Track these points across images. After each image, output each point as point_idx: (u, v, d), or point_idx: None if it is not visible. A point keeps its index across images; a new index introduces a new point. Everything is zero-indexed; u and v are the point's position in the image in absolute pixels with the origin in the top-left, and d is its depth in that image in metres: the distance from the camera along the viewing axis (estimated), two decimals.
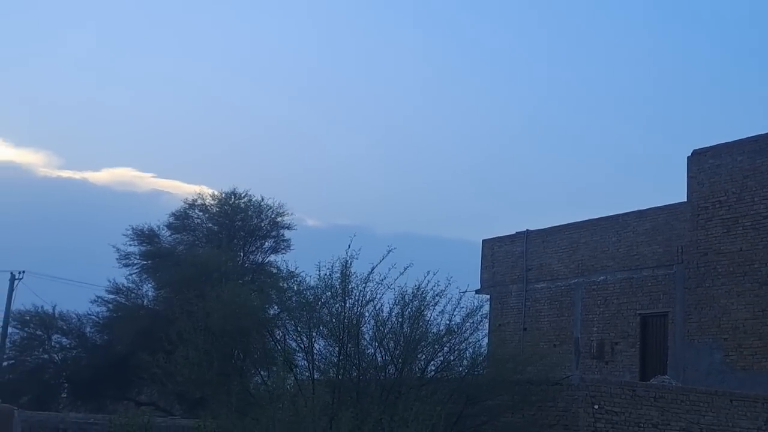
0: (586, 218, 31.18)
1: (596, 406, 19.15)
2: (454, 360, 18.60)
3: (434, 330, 18.27)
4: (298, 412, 16.15)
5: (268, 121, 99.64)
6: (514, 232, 33.74)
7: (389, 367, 17.95)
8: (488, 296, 33.00)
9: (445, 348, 18.43)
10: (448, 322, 18.35)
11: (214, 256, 28.06)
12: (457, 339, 18.53)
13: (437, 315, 18.24)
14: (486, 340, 20.61)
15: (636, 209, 29.50)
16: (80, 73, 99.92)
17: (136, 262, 31.41)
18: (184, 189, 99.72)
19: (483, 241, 34.66)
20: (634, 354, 28.40)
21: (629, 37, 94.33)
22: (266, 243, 32.79)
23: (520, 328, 31.93)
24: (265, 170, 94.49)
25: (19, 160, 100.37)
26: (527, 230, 33.17)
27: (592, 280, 30.15)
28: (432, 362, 18.41)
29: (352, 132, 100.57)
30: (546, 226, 32.68)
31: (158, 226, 31.89)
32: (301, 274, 19.77)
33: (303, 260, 19.30)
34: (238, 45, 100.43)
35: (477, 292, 32.94)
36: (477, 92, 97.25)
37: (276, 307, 20.51)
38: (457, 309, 18.43)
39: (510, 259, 33.47)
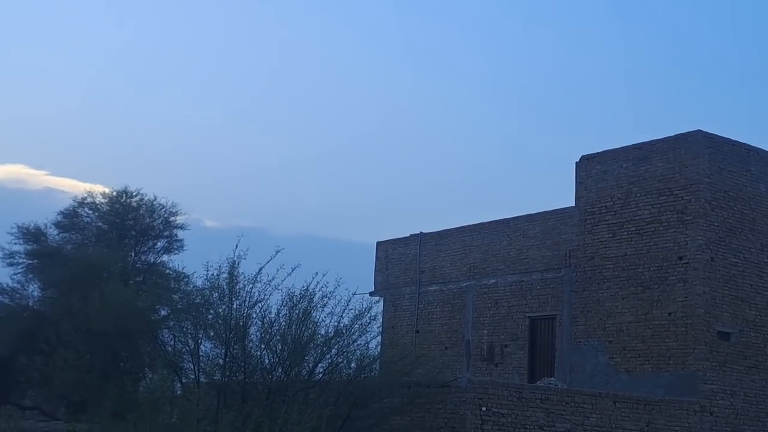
0: (479, 221, 31.55)
1: (484, 408, 19.39)
2: (342, 362, 18.60)
3: (322, 332, 18.25)
4: (180, 415, 15.89)
5: (168, 121, 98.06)
6: (408, 235, 33.94)
7: (276, 369, 17.83)
8: (382, 298, 33.10)
9: (333, 350, 18.43)
10: (336, 323, 18.36)
11: (104, 256, 27.38)
12: (345, 341, 18.55)
13: (326, 316, 18.24)
14: (376, 342, 20.67)
15: (526, 213, 29.98)
16: None
17: (21, 261, 30.35)
18: (79, 188, 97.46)
19: (377, 243, 34.77)
20: (523, 356, 28.85)
21: (521, 37, 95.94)
22: (159, 243, 32.08)
23: (412, 330, 32.12)
24: (163, 171, 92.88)
25: None
26: (421, 233, 33.41)
27: (484, 283, 30.53)
28: (320, 364, 18.37)
29: (254, 133, 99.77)
30: (440, 229, 32.96)
31: (45, 225, 30.92)
32: (192, 275, 19.50)
33: (199, 261, 19.02)
34: (135, 39, 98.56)
35: (371, 294, 33.02)
36: (367, 90, 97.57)
37: (166, 308, 20.17)
38: (346, 311, 18.46)
39: (404, 262, 33.65)
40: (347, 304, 18.44)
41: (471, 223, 31.82)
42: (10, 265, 30.19)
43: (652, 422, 22.03)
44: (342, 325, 18.40)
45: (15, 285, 30.37)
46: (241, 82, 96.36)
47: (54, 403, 28.98)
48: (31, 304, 30.22)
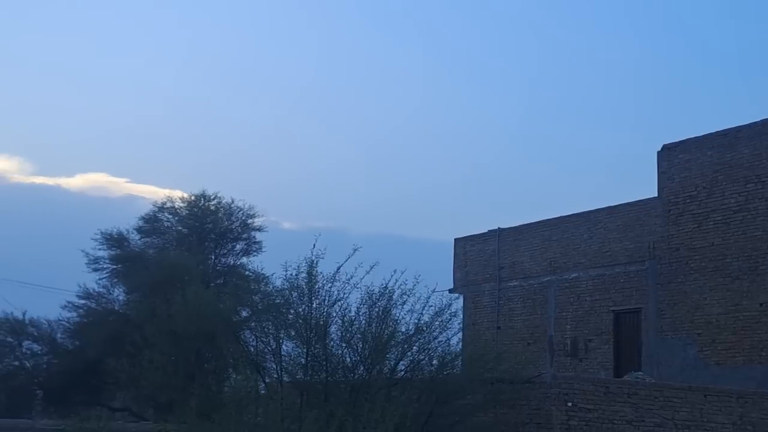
0: (558, 215, 31.10)
1: (569, 404, 19.02)
2: (423, 359, 18.43)
3: (403, 329, 18.11)
4: (265, 415, 15.95)
5: (245, 125, 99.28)
6: (486, 231, 33.63)
7: (358, 367, 17.76)
8: (461, 295, 32.87)
9: (414, 347, 18.26)
10: (416, 321, 18.18)
11: (184, 259, 27.79)
12: (426, 338, 18.36)
13: (406, 314, 18.08)
14: (457, 339, 20.45)
15: (607, 205, 29.44)
16: (53, 78, 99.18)
17: (105, 266, 31.08)
18: (159, 194, 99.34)
19: (455, 240, 34.54)
20: (608, 351, 28.34)
21: (597, 34, 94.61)
22: (237, 245, 32.50)
23: (493, 327, 31.82)
24: (241, 174, 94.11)
25: None
26: (499, 228, 33.08)
27: (565, 278, 30.08)
28: (401, 362, 18.23)
29: (329, 134, 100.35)
30: (518, 224, 32.58)
31: (127, 230, 31.57)
32: (272, 277, 19.57)
33: (278, 263, 19.08)
34: (211, 48, 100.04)
35: (450, 291, 32.81)
36: (447, 91, 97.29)
37: (247, 309, 20.30)
38: (426, 308, 18.27)
39: (482, 258, 33.36)
40: (427, 302, 18.25)
41: (550, 217, 31.38)
42: (96, 270, 30.93)
43: (745, 416, 21.35)
44: (422, 322, 18.22)
45: (101, 290, 31.12)
46: (317, 82, 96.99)
47: (142, 404, 29.50)
48: (116, 308, 30.87)
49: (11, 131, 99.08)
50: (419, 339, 18.27)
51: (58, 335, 31.53)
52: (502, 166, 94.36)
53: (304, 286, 17.56)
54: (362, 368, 17.65)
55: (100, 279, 31.02)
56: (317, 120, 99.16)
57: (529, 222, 32.20)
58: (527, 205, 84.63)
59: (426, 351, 18.40)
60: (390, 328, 17.77)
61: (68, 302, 31.14)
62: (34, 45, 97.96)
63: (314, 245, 17.52)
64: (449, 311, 18.65)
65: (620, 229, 28.73)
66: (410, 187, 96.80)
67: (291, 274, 17.67)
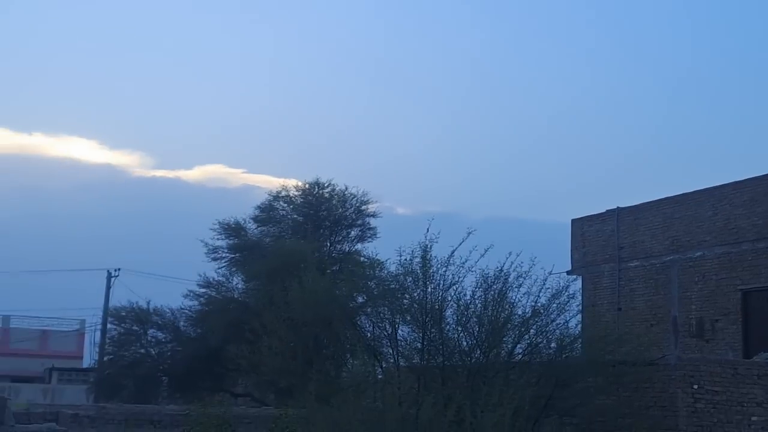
0: (680, 192, 30.08)
1: (695, 386, 18.42)
2: (541, 342, 18.11)
3: (519, 312, 17.82)
4: (383, 399, 15.93)
5: (359, 112, 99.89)
6: (604, 211, 32.83)
7: (475, 351, 17.56)
8: (580, 277, 32.18)
9: (532, 330, 17.95)
10: (533, 303, 17.87)
11: (300, 247, 28.05)
12: (544, 320, 18.03)
13: (522, 297, 17.78)
14: (575, 321, 20.00)
15: (733, 180, 28.28)
16: (171, 74, 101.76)
17: (224, 255, 31.73)
18: (274, 183, 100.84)
19: (572, 220, 33.82)
20: (737, 331, 27.28)
21: (720, 4, 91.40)
22: (352, 232, 32.69)
23: (614, 308, 31.04)
24: (355, 161, 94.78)
25: (115, 162, 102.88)
26: (618, 208, 32.21)
27: (689, 256, 29.08)
28: (519, 345, 17.95)
29: (443, 119, 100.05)
30: (637, 203, 31.67)
31: (244, 220, 32.11)
32: (386, 262, 19.54)
33: (392, 249, 19.03)
34: (325, 37, 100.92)
35: (568, 273, 32.15)
36: (556, 69, 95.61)
37: (363, 295, 20.31)
38: (542, 290, 17.92)
39: (601, 238, 32.56)
40: (543, 284, 17.91)
41: (671, 195, 30.37)
42: (214, 259, 31.63)
43: None
44: (539, 304, 17.89)
45: (220, 278, 31.79)
46: (433, 68, 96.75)
47: (263, 389, 30.01)
48: (236, 296, 31.47)
49: (132, 127, 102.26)
50: (536, 322, 17.95)
51: (181, 323, 32.36)
52: (619, 145, 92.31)
53: (419, 271, 17.45)
54: (479, 352, 17.44)
55: (219, 268, 31.69)
56: (431, 105, 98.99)
57: (649, 200, 31.25)
58: (645, 183, 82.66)
59: (544, 334, 18.07)
60: (506, 312, 17.51)
61: (190, 291, 31.94)
62: (151, 42, 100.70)
63: (428, 230, 17.40)
64: (567, 293, 18.27)
65: (747, 204, 27.58)
66: (526, 169, 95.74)
67: (405, 259, 17.59)
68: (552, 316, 18.00)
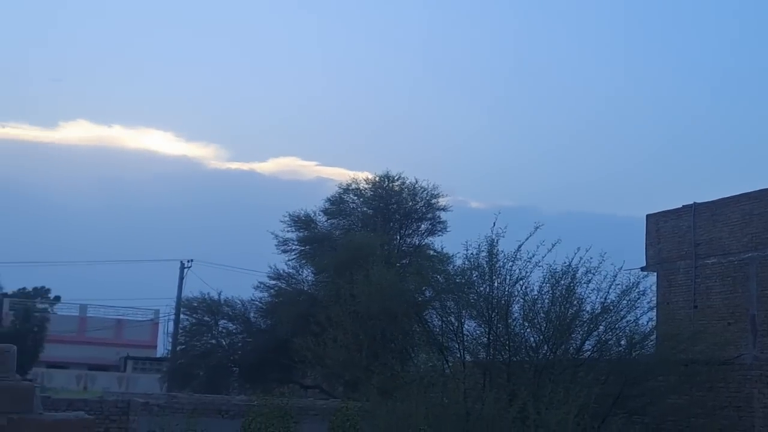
0: (760, 188, 29.21)
1: None
2: (611, 339, 17.74)
3: (588, 308, 17.48)
4: (447, 393, 15.79)
5: (435, 107, 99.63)
6: (680, 206, 32.07)
7: (542, 347, 17.29)
8: (654, 273, 31.51)
9: (601, 327, 17.60)
10: (603, 299, 17.51)
11: (369, 240, 27.93)
12: (613, 317, 17.66)
13: (590, 293, 17.44)
14: (647, 318, 19.55)
15: None
16: (247, 67, 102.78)
17: (294, 247, 31.76)
18: (347, 176, 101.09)
19: (647, 216, 33.12)
20: None
21: None
22: (422, 225, 32.43)
23: (689, 306, 30.31)
24: (430, 155, 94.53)
25: (191, 154, 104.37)
26: (694, 203, 31.45)
27: None
28: (587, 341, 17.62)
29: (519, 115, 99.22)
30: (714, 198, 30.85)
31: (314, 212, 32.11)
32: (455, 256, 19.36)
33: (464, 243, 18.81)
34: (394, 29, 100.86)
35: (642, 269, 31.50)
36: (634, 62, 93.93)
37: (430, 289, 20.16)
38: (612, 286, 17.55)
39: (677, 234, 31.81)
40: (613, 280, 17.53)
41: (751, 190, 29.52)
42: (285, 251, 31.69)
43: None
44: (608, 301, 17.51)
45: (290, 270, 31.84)
46: (509, 64, 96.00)
47: (332, 381, 30.03)
48: (306, 288, 31.50)
49: (208, 120, 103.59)
50: (606, 318, 17.59)
51: (252, 315, 32.52)
52: (696, 140, 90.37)
53: (485, 265, 17.24)
54: (546, 348, 17.17)
55: (289, 260, 31.75)
56: (509, 100, 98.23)
57: (726, 196, 30.43)
58: (723, 179, 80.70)
59: (613, 331, 17.71)
60: (574, 308, 17.20)
61: (260, 283, 32.07)
62: (228, 36, 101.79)
63: (494, 224, 17.17)
64: (637, 290, 17.87)
65: None
66: (602, 164, 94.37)
67: (471, 254, 17.39)
68: (622, 312, 17.63)
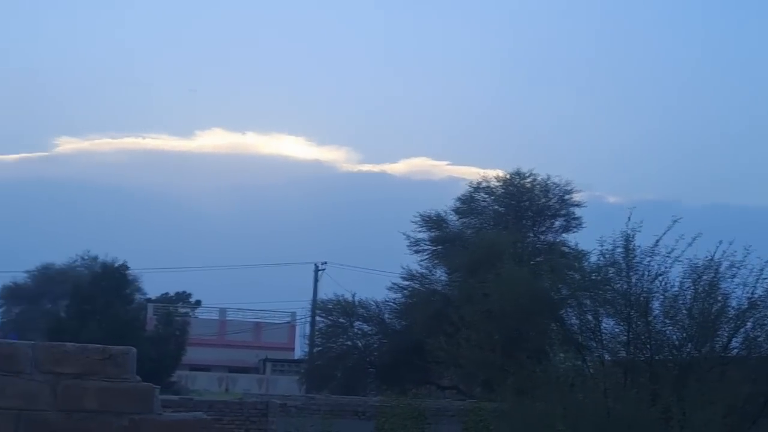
0: None
1: None
2: (760, 336, 16.87)
3: (734, 304, 16.67)
4: (586, 393, 15.34)
5: (566, 101, 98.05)
6: None
7: (686, 345, 16.59)
8: None
9: (749, 323, 16.77)
10: (749, 295, 16.66)
11: (501, 238, 27.56)
12: (761, 313, 16.78)
13: (736, 287, 16.62)
14: None
15: None
16: (376, 70, 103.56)
17: (426, 247, 31.67)
18: (478, 174, 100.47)
19: None
20: None
21: None
22: (556, 222, 31.82)
23: None
24: (564, 150, 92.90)
25: (323, 158, 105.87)
26: None
27: None
28: (734, 339, 16.81)
29: (659, 106, 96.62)
30: None
31: (445, 212, 31.94)
32: (591, 253, 18.85)
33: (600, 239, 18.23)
34: (526, 31, 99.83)
35: None
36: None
37: (566, 287, 19.67)
38: (759, 280, 16.67)
39: None
40: (760, 274, 16.64)
41: None
42: (417, 252, 31.62)
43: None
44: (756, 296, 16.65)
45: (423, 271, 31.74)
46: (638, 55, 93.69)
47: (469, 382, 29.75)
48: (439, 288, 31.34)
49: (340, 124, 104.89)
50: (754, 314, 16.74)
51: (386, 315, 32.53)
52: None
53: (621, 261, 16.68)
54: (690, 346, 16.47)
55: (421, 260, 31.66)
56: (647, 92, 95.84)
57: None
58: None
59: (762, 327, 16.83)
60: (719, 303, 16.43)
61: (394, 284, 32.07)
62: (356, 39, 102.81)
63: (629, 218, 16.61)
64: None
65: None
66: (749, 153, 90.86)
67: (606, 250, 16.86)
68: None
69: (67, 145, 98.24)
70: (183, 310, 54.04)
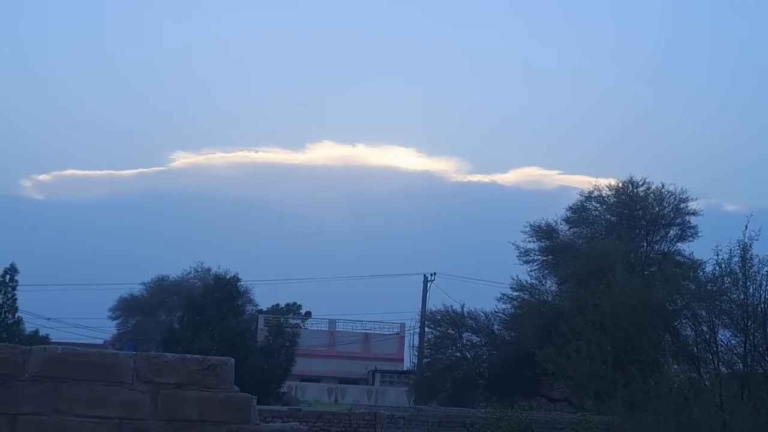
0: None
1: None
2: None
3: None
4: (701, 406, 14.83)
5: (678, 108, 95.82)
6: None
7: None
8: None
9: None
10: None
11: (613, 248, 26.98)
12: None
13: None
14: None
15: None
16: (485, 81, 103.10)
17: (536, 258, 31.30)
18: (590, 183, 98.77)
19: None
20: None
21: None
22: (670, 231, 30.99)
23: None
24: (676, 158, 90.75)
25: (433, 169, 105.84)
26: None
27: None
28: None
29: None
30: None
31: (555, 221, 31.50)
32: (706, 262, 18.29)
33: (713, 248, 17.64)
34: (627, 32, 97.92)
35: None
36: None
37: (679, 297, 19.13)
38: None
39: None
40: None
41: None
42: (526, 262, 31.27)
43: None
44: None
45: (533, 281, 31.35)
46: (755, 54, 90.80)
47: (581, 394, 29.18)
48: (549, 299, 30.88)
49: (449, 135, 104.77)
50: None
51: (495, 326, 32.21)
52: None
53: (738, 271, 16.11)
54: None
55: (531, 271, 31.29)
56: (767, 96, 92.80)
57: None
58: None
59: None
60: None
61: (503, 294, 31.77)
62: (463, 54, 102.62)
63: (746, 227, 16.02)
64: None
65: None
66: None
67: (722, 259, 16.31)
68: None
69: (182, 159, 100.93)
70: (293, 322, 54.64)
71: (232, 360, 4.95)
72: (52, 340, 39.10)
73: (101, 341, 52.63)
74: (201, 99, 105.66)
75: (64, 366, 4.95)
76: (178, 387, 4.93)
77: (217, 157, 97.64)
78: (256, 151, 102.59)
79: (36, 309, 45.17)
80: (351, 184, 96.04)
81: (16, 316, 41.66)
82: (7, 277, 41.06)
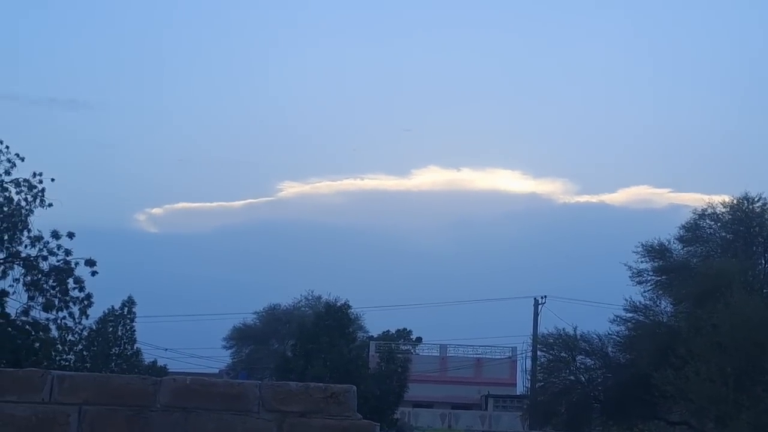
0: None
1: None
2: None
3: None
4: None
5: None
6: None
7: None
8: None
9: None
10: None
11: (730, 266, 26.28)
12: None
13: None
14: None
15: None
16: (581, 102, 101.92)
17: (649, 278, 30.68)
18: (703, 201, 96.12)
19: None
20: None
21: None
22: None
23: None
24: None
25: (539, 190, 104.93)
26: None
27: None
28: None
29: None
30: None
31: (668, 241, 30.87)
32: None
33: None
34: (732, 47, 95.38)
35: None
36: None
37: None
38: None
39: None
40: None
41: None
42: (639, 283, 30.67)
43: None
44: None
45: (647, 302, 30.74)
46: None
47: (700, 417, 28.42)
48: (664, 320, 30.24)
49: (555, 156, 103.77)
50: None
51: (609, 349, 31.70)
52: None
53: None
54: None
55: (644, 291, 30.71)
56: None
57: None
58: None
59: None
60: None
61: (616, 316, 31.26)
62: (563, 73, 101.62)
63: None
64: None
65: None
66: None
67: None
68: None
69: (290, 189, 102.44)
70: (404, 347, 54.74)
71: (354, 387, 5.03)
72: (169, 370, 40.15)
73: (216, 370, 53.72)
74: (306, 128, 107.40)
75: (193, 396, 5.12)
76: (303, 415, 5.03)
77: (324, 186, 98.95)
78: (362, 179, 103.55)
79: (153, 340, 46.46)
80: (458, 208, 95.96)
81: (135, 347, 42.87)
82: (126, 309, 42.31)
